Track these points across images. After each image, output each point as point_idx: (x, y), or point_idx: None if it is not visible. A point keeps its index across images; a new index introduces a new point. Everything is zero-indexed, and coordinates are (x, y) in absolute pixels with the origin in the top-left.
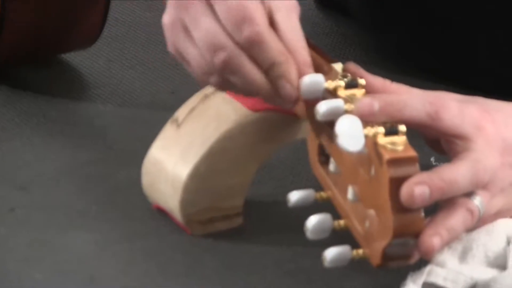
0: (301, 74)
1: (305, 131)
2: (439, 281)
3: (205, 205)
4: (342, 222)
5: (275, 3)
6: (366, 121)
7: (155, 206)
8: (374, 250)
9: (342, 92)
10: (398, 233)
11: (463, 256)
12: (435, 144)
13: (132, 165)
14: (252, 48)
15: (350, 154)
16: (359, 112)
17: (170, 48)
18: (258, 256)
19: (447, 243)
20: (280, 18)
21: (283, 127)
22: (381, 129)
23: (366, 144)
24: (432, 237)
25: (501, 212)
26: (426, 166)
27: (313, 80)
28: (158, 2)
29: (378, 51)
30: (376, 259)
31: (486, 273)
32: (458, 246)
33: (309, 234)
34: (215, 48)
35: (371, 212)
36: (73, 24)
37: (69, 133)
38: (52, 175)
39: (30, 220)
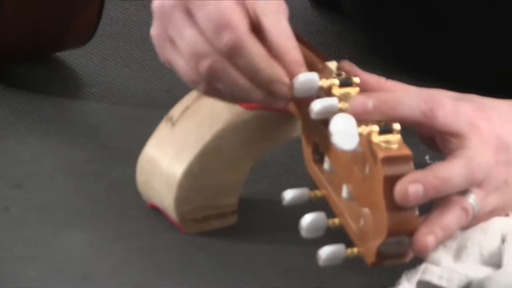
0: (293, 74)
1: (300, 129)
2: (434, 279)
3: (200, 203)
4: (336, 220)
5: (260, 5)
6: (361, 119)
7: (150, 204)
8: (368, 249)
9: (336, 91)
10: (393, 232)
11: (458, 255)
12: (430, 142)
13: (127, 164)
14: (233, 54)
15: (344, 152)
16: (353, 111)
17: (162, 59)
18: (253, 254)
19: (442, 242)
20: (267, 21)
21: (277, 126)
22: (376, 128)
23: (360, 143)
24: (427, 236)
25: (495, 210)
26: (420, 164)
27: (307, 78)
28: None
29: (372, 49)
30: (370, 258)
31: (480, 272)
32: (453, 244)
33: (304, 233)
34: (199, 56)
35: (366, 210)
36: (67, 23)
37: (63, 131)
38: (47, 173)
39: (25, 218)
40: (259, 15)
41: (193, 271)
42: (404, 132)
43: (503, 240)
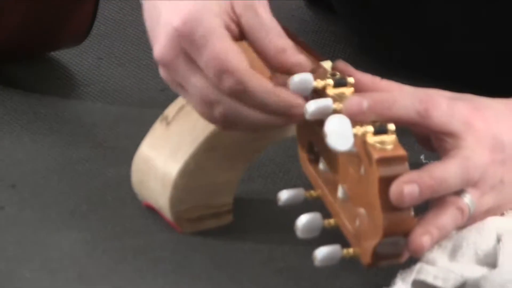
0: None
1: (295, 129)
2: (429, 279)
3: (195, 202)
4: (332, 221)
5: (239, 9)
6: (355, 120)
7: (145, 203)
8: (364, 249)
9: (331, 91)
10: (388, 232)
11: (453, 254)
12: (425, 141)
13: (122, 163)
14: (239, 96)
15: (339, 153)
16: (348, 111)
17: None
18: (248, 254)
19: (437, 242)
20: (246, 24)
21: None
22: (370, 128)
23: (355, 143)
24: (422, 236)
25: (491, 210)
26: (416, 165)
27: (301, 78)
28: None
29: (364, 49)
30: (366, 258)
31: (476, 271)
32: (448, 244)
33: (299, 233)
34: (210, 103)
35: (362, 211)
36: (62, 22)
37: (59, 131)
38: (42, 173)
39: (20, 218)
40: (241, 22)
41: (188, 270)
42: (399, 132)
43: (499, 240)
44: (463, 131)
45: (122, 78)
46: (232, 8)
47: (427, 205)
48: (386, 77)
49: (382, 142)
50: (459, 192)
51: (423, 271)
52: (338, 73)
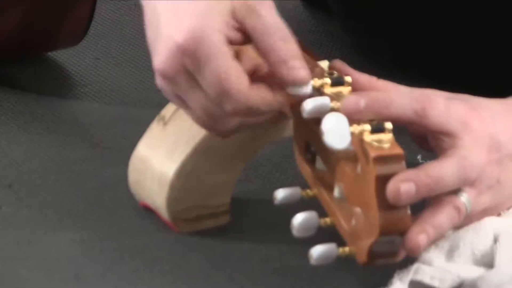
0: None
1: (291, 128)
2: (426, 279)
3: (192, 202)
4: (328, 219)
5: (241, 14)
6: (353, 118)
7: (142, 203)
8: (360, 248)
9: (328, 90)
10: (385, 231)
11: (450, 254)
12: (422, 141)
13: (119, 163)
14: (244, 115)
15: (336, 151)
16: (345, 110)
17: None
18: (245, 254)
19: (434, 241)
20: (251, 27)
21: (269, 125)
22: (367, 127)
23: (352, 142)
24: (419, 235)
25: (488, 209)
26: (413, 164)
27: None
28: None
29: (359, 49)
30: (362, 257)
31: (473, 272)
32: (445, 244)
33: (295, 232)
34: (213, 119)
35: (358, 209)
36: (59, 22)
37: (56, 131)
38: (39, 172)
39: (17, 218)
40: (243, 22)
41: (185, 270)
42: (396, 131)
43: (496, 240)
44: (460, 130)
45: (119, 78)
46: (234, 14)
47: (424, 204)
48: (383, 77)
49: (379, 141)
50: (456, 191)
51: (420, 272)
52: (335, 72)
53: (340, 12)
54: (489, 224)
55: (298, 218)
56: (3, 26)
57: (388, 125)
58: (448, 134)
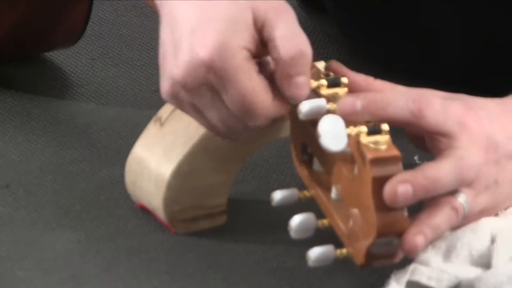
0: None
1: (288, 129)
2: (423, 279)
3: (189, 203)
4: (325, 221)
5: (268, 18)
6: (349, 120)
7: (139, 204)
8: (358, 249)
9: (324, 91)
10: (382, 232)
11: (447, 255)
12: (419, 142)
13: (115, 164)
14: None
15: (333, 153)
16: (341, 111)
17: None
18: (242, 254)
19: (431, 242)
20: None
21: (266, 126)
22: (364, 128)
23: (349, 144)
24: (416, 236)
25: (485, 210)
26: (409, 166)
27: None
28: (142, 1)
29: (356, 50)
30: (360, 258)
31: (470, 272)
32: (442, 245)
33: (293, 233)
34: (231, 131)
35: (355, 211)
36: (56, 23)
37: (52, 131)
38: (35, 173)
39: (14, 218)
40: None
41: (182, 271)
42: (393, 132)
43: (493, 241)
44: (457, 131)
45: (116, 79)
46: (256, 27)
47: (421, 206)
48: (379, 77)
49: (375, 142)
50: (453, 192)
51: (417, 272)
52: (331, 73)
53: (337, 13)
54: (486, 225)
55: (296, 220)
56: (0, 27)
57: (385, 127)
58: (445, 134)
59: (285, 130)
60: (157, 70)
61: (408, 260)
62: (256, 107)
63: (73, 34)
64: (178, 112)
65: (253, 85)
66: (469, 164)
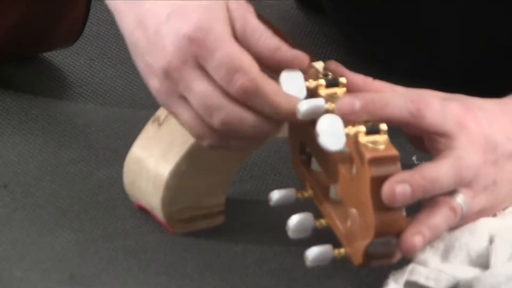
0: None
1: (287, 130)
2: (421, 280)
3: (187, 203)
4: (323, 221)
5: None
6: (348, 120)
7: (137, 204)
8: (356, 249)
9: (323, 91)
10: (380, 232)
11: (445, 255)
12: (417, 142)
13: (114, 164)
14: (249, 97)
15: (331, 153)
16: (340, 111)
17: (163, 106)
18: (240, 255)
19: (430, 242)
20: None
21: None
22: (362, 128)
23: (347, 143)
24: (414, 236)
25: (484, 210)
26: (408, 166)
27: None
28: None
29: (354, 50)
30: (358, 258)
31: (468, 272)
32: (441, 245)
33: (291, 233)
34: (212, 110)
35: (353, 211)
36: (54, 23)
37: (50, 131)
38: (33, 173)
39: (12, 218)
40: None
41: (180, 271)
42: (392, 132)
43: (491, 241)
44: (456, 131)
45: (114, 79)
46: (230, 15)
47: (420, 206)
48: (378, 78)
49: (374, 142)
50: (451, 192)
51: (415, 272)
52: (330, 74)
53: (335, 14)
54: (484, 225)
55: (294, 220)
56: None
57: (383, 127)
58: (444, 135)
59: (284, 130)
60: None
61: (406, 260)
62: (244, 65)
63: (72, 34)
64: None
65: (238, 48)
66: (468, 164)
